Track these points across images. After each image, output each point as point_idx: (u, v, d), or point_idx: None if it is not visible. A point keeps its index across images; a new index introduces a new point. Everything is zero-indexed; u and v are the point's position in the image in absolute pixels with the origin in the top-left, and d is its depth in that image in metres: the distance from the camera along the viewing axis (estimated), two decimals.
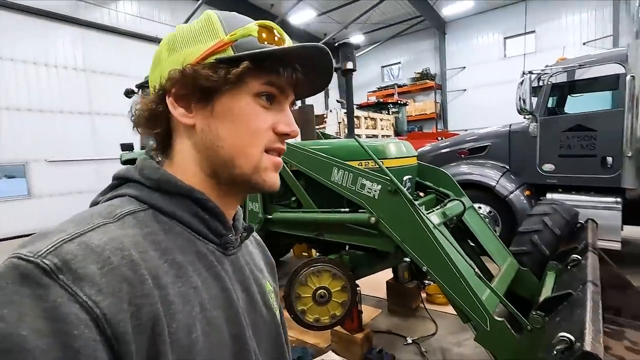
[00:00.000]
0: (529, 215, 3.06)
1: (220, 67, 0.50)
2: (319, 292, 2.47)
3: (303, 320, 2.47)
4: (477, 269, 2.11)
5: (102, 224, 0.43)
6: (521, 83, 4.28)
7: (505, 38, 14.64)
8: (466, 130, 10.52)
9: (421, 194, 3.33)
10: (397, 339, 2.97)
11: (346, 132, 6.30)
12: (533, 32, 13.92)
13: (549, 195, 4.58)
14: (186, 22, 8.58)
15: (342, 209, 2.75)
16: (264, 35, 0.52)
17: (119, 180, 0.54)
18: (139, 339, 0.38)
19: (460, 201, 2.71)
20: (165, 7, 11.10)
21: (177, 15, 11.13)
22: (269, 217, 3.18)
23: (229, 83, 0.50)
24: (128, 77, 9.57)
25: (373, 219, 2.43)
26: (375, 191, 2.45)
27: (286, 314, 2.61)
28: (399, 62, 17.62)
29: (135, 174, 0.52)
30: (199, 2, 10.31)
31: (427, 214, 2.47)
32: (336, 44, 3.31)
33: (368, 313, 3.45)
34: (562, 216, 2.91)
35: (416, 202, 2.82)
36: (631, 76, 3.71)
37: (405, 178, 2.87)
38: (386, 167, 2.64)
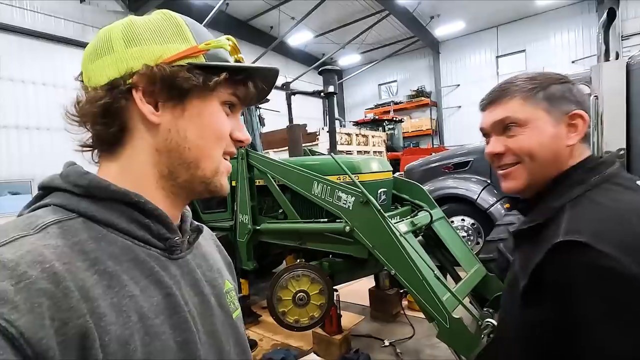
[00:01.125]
0: (496, 225, 3.29)
1: (196, 72, 0.51)
2: (298, 295, 2.69)
3: (284, 321, 2.69)
4: (437, 272, 2.35)
5: (18, 237, 0.40)
6: None
7: (497, 57, 15.14)
8: (462, 146, 10.85)
9: (401, 206, 3.58)
10: (376, 342, 3.17)
11: (334, 149, 6.61)
12: (523, 51, 14.41)
13: None
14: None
15: (322, 219, 3.01)
16: (232, 49, 0.57)
17: (45, 190, 0.51)
18: (67, 355, 0.36)
19: (429, 212, 2.96)
20: None
21: None
22: (258, 228, 3.42)
23: (207, 89, 0.52)
24: None
25: (348, 227, 2.68)
26: (350, 202, 2.70)
27: (270, 318, 2.83)
28: (395, 80, 18.13)
29: (60, 181, 0.50)
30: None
31: (397, 223, 2.72)
32: (319, 71, 3.63)
33: (351, 319, 3.65)
34: None
35: (392, 213, 3.10)
36: (594, 96, 4.00)
37: (380, 191, 3.13)
38: (361, 181, 2.91)
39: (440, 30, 15.19)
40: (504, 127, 0.79)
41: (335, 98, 3.69)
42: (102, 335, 0.40)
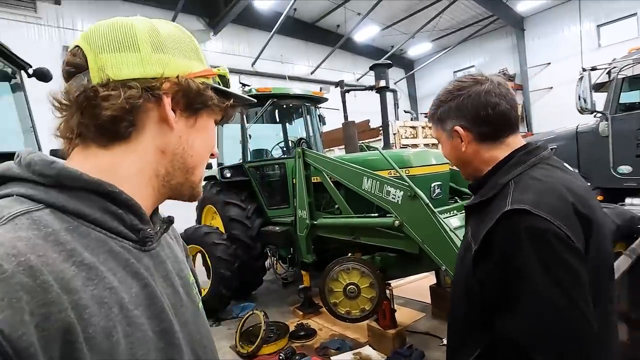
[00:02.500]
0: None
1: (211, 91, 0.58)
2: (349, 287, 2.77)
3: (335, 312, 2.80)
4: None
5: None
6: (580, 80, 4.02)
7: (599, 26, 12.99)
8: (551, 131, 9.65)
9: (461, 200, 3.40)
10: (434, 340, 3.08)
11: (399, 143, 6.44)
12: (634, 15, 12.11)
13: (628, 200, 4.13)
14: (261, 53, 9.34)
15: (372, 214, 3.03)
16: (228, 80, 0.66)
17: None
18: (49, 350, 0.36)
19: None
20: (242, 41, 12.63)
21: (253, 48, 12.54)
22: (315, 222, 3.58)
23: (218, 109, 0.60)
24: None
25: (397, 222, 2.67)
26: (398, 197, 2.68)
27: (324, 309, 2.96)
28: (473, 66, 16.77)
29: (21, 171, 0.47)
30: (272, 32, 11.50)
31: (448, 217, 2.62)
32: (370, 66, 3.63)
33: (410, 315, 3.60)
34: (612, 220, 2.73)
35: (446, 208, 2.98)
36: None
37: (433, 184, 3.02)
38: (412, 175, 2.87)
39: (523, 5, 13.61)
40: None
41: (385, 93, 3.64)
42: (85, 328, 0.39)
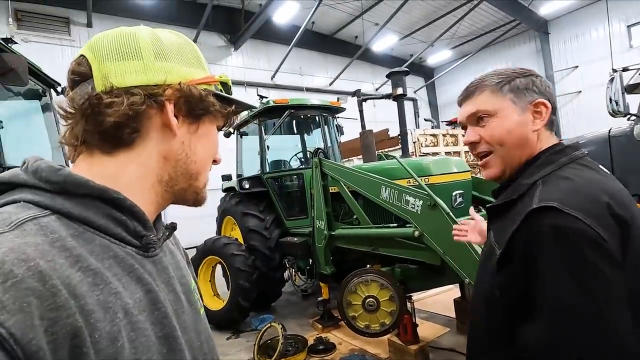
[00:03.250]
0: None
1: (213, 98, 0.59)
2: (367, 300, 2.69)
3: (354, 325, 2.71)
4: None
5: None
6: (611, 81, 3.82)
7: (629, 26, 12.47)
8: (582, 136, 9.21)
9: (484, 209, 3.27)
10: (459, 356, 2.92)
11: (419, 151, 6.32)
12: None
13: None
14: (280, 66, 9.56)
15: (391, 224, 2.95)
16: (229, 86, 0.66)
17: (3, 186, 0.48)
18: (58, 354, 0.36)
19: None
20: (262, 55, 12.92)
21: (272, 61, 12.79)
22: (333, 233, 3.52)
23: (220, 115, 0.61)
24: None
25: (417, 232, 2.57)
26: (418, 206, 2.60)
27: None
28: None
29: (28, 177, 0.48)
30: (290, 46, 11.70)
31: None
32: (387, 74, 3.60)
33: (434, 330, 3.44)
34: None
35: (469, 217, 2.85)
36: None
37: (455, 193, 2.91)
38: (432, 184, 2.78)
39: (546, 8, 13.28)
40: (476, 118, 0.89)
41: (403, 100, 3.58)
42: (92, 332, 0.40)
